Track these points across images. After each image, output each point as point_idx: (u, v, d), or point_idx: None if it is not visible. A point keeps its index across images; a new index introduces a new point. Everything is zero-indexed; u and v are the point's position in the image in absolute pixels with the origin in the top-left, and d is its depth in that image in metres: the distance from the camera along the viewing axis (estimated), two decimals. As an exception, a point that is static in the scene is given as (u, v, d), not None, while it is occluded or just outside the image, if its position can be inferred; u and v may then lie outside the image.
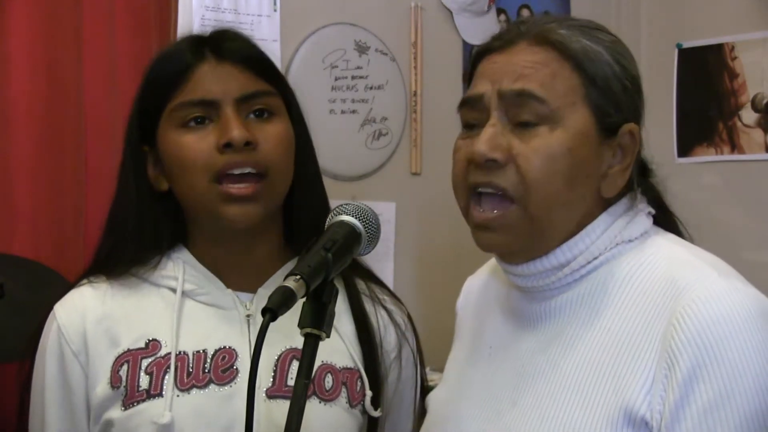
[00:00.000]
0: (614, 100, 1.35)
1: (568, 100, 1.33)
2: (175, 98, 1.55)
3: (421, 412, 1.66)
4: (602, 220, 1.36)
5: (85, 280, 1.62)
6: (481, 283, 1.60)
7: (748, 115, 3.04)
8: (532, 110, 1.32)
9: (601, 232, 1.36)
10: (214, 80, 1.55)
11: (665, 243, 1.38)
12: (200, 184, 1.52)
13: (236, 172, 1.51)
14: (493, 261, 1.60)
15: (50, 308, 1.61)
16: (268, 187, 1.54)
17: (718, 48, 3.10)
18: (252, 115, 1.55)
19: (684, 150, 3.18)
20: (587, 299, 1.36)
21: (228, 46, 1.58)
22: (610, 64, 1.35)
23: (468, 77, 1.44)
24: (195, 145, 1.53)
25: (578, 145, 1.32)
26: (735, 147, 3.07)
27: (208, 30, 1.63)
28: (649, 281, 1.31)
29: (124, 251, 1.59)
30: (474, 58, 1.42)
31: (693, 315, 1.23)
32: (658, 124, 3.21)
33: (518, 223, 1.34)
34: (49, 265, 2.27)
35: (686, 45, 3.19)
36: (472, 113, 1.38)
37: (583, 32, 1.37)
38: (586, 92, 1.33)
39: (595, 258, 1.36)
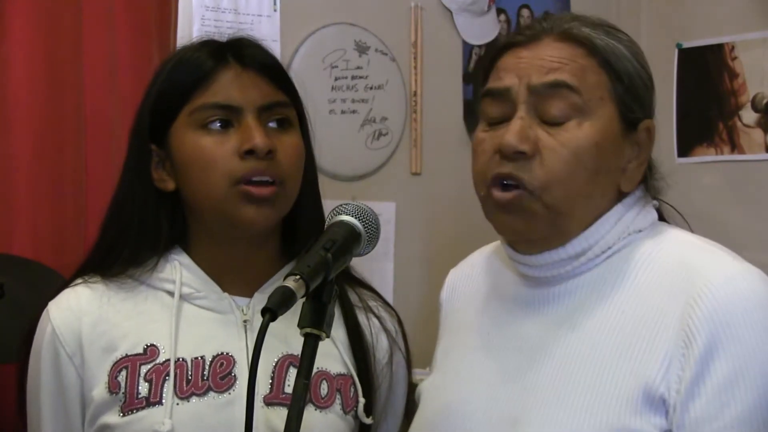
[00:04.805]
0: (637, 96, 1.38)
1: (597, 94, 1.35)
2: (196, 100, 1.55)
3: (409, 409, 1.66)
4: (616, 210, 1.39)
5: (80, 279, 1.61)
6: (464, 275, 1.60)
7: (748, 115, 3.04)
8: (565, 100, 1.34)
9: (615, 222, 1.38)
10: (238, 87, 1.56)
11: (674, 231, 1.42)
12: (219, 187, 1.53)
13: (255, 179, 1.53)
14: (474, 254, 1.61)
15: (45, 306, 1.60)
16: (282, 194, 1.56)
17: (718, 48, 3.10)
18: (271, 124, 1.57)
19: (684, 150, 3.18)
20: (599, 284, 1.37)
21: (250, 53, 1.60)
22: (632, 62, 1.39)
23: (485, 70, 1.44)
24: (215, 148, 1.53)
25: (604, 139, 1.35)
26: (735, 147, 3.07)
27: (224, 36, 1.64)
28: (663, 265, 1.34)
29: (123, 248, 1.59)
30: (496, 51, 1.43)
31: (710, 295, 1.26)
32: (658, 124, 3.20)
33: (537, 209, 1.35)
34: (49, 265, 2.26)
35: (686, 45, 3.19)
36: (495, 106, 1.39)
37: (605, 31, 1.40)
38: (612, 87, 1.36)
39: (609, 248, 1.38)
